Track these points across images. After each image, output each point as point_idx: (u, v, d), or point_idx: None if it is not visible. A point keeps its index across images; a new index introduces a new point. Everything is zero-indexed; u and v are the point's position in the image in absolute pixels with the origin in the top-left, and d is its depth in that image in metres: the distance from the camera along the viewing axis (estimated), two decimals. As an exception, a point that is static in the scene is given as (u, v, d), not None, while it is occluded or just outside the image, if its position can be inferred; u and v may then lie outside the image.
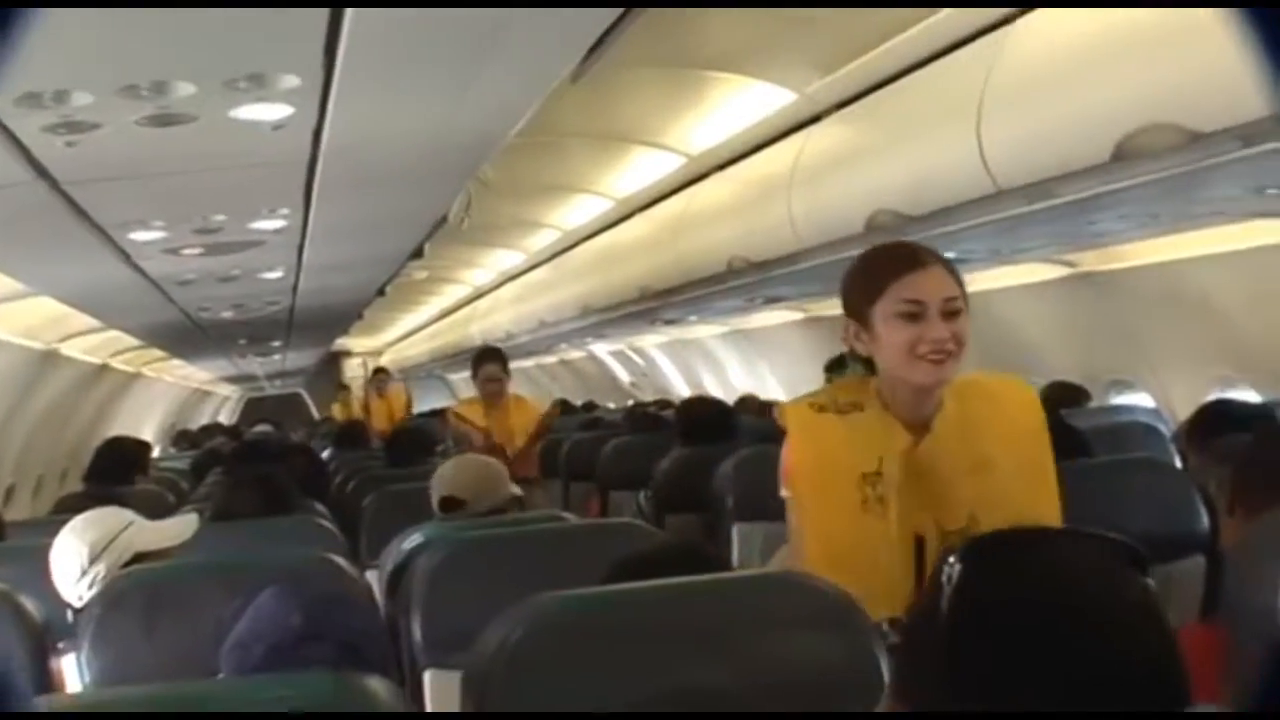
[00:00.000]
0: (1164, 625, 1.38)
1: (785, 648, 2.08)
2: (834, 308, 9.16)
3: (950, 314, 2.71)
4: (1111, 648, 1.33)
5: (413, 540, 3.66)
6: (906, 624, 1.47)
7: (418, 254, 7.48)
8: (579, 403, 15.31)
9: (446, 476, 4.39)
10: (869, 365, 2.83)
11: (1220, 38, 3.29)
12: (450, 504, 4.29)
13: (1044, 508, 2.73)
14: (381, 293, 10.15)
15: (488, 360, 7.32)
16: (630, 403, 14.53)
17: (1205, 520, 3.63)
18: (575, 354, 17.84)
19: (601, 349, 16.51)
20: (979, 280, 7.80)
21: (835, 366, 6.83)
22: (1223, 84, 3.43)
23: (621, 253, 9.56)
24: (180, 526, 3.65)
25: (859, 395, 2.82)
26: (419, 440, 7.26)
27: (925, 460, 2.74)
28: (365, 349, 26.83)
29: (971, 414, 2.80)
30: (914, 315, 2.70)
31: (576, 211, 10.27)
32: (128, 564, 3.38)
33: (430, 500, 4.41)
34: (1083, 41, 4.06)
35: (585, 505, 6.98)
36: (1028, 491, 2.75)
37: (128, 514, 3.56)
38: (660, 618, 2.11)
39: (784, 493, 2.87)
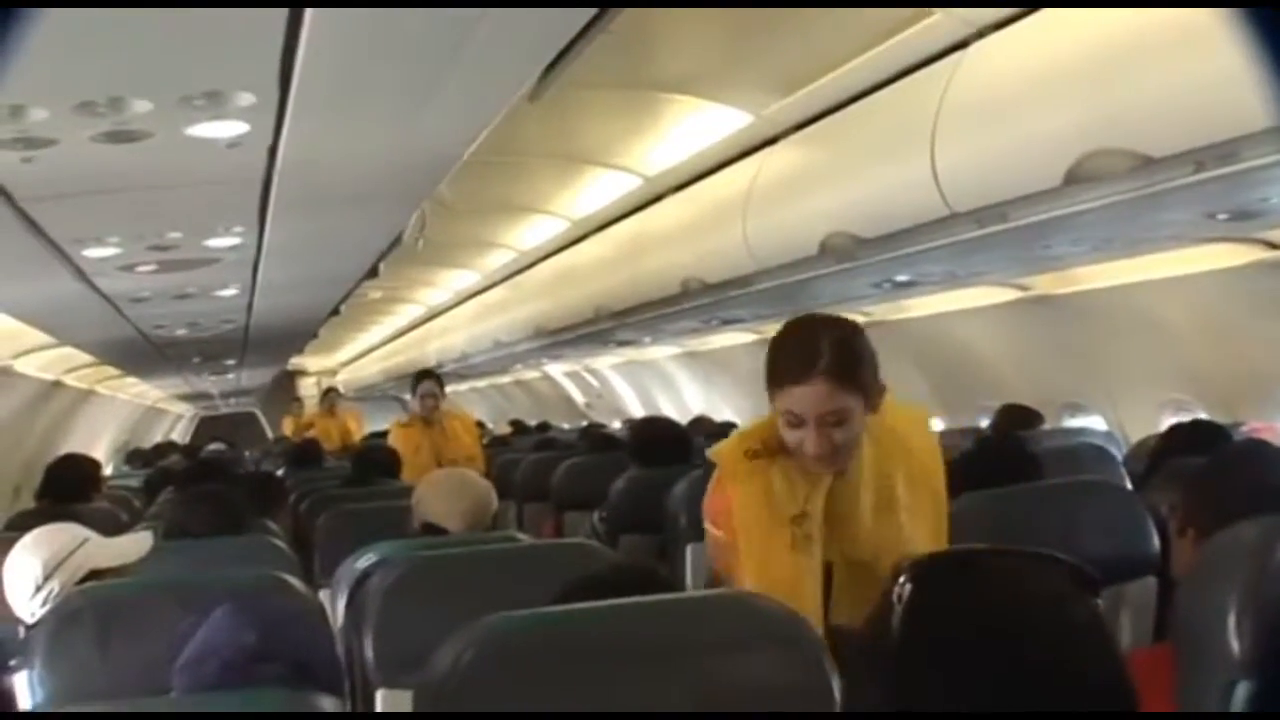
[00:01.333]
0: (1112, 646, 1.39)
1: (737, 667, 2.08)
2: None
3: (829, 425, 2.82)
4: (1060, 667, 1.34)
5: (366, 559, 3.64)
6: (857, 641, 1.48)
7: (373, 273, 7.43)
8: (533, 423, 15.33)
9: (429, 501, 4.27)
10: None
11: (1171, 63, 3.33)
12: (433, 532, 4.19)
13: (937, 545, 2.93)
14: (336, 312, 10.18)
15: (425, 379, 8.64)
16: (585, 423, 14.51)
17: (1157, 542, 3.65)
18: (530, 374, 17.87)
19: (556, 369, 16.56)
20: (933, 304, 7.88)
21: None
22: (1174, 109, 3.46)
23: (577, 273, 9.60)
24: (135, 544, 3.64)
25: (775, 439, 2.94)
26: (383, 463, 7.16)
27: (838, 499, 2.92)
28: (320, 368, 26.79)
29: (883, 457, 2.96)
30: (794, 423, 2.84)
31: (532, 232, 10.27)
32: (81, 581, 3.36)
33: (385, 519, 4.39)
34: (1035, 66, 4.09)
35: (540, 525, 6.98)
36: (924, 531, 2.95)
37: (83, 530, 3.54)
38: (612, 638, 2.11)
39: (713, 530, 3.01)
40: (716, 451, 3.01)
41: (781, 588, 2.74)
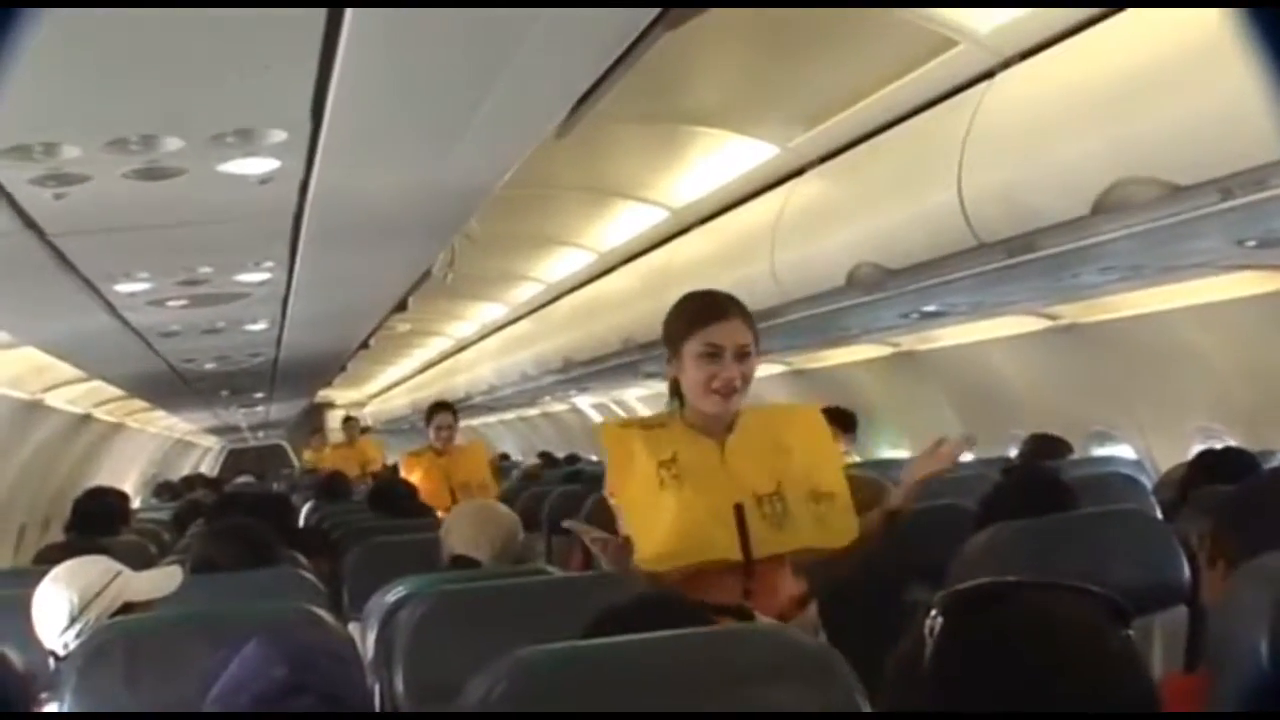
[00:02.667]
0: (1145, 675, 1.39)
1: (766, 700, 2.09)
2: (818, 360, 9.34)
3: (741, 357, 3.48)
4: (1093, 698, 1.34)
5: (396, 592, 3.65)
6: (890, 673, 1.48)
7: (401, 307, 7.48)
8: (562, 455, 15.23)
9: (459, 531, 4.39)
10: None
11: (1196, 90, 3.33)
12: (463, 563, 4.27)
13: (833, 481, 3.62)
14: (365, 345, 10.24)
15: (439, 411, 8.84)
16: None
17: (1187, 572, 3.64)
18: (558, 407, 17.96)
19: (585, 402, 16.63)
20: (961, 333, 7.86)
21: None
22: (1201, 138, 3.46)
23: (604, 305, 9.60)
24: (167, 578, 3.65)
25: (665, 419, 3.61)
26: (400, 498, 7.21)
27: (734, 447, 3.54)
28: (348, 401, 26.68)
29: (769, 417, 3.66)
30: (713, 356, 3.45)
31: (560, 264, 10.30)
32: (115, 614, 3.37)
33: (417, 552, 4.40)
34: (1061, 96, 4.09)
35: (568, 558, 6.97)
36: (821, 468, 3.62)
37: (115, 564, 3.55)
38: (643, 671, 2.11)
39: (611, 499, 3.59)
40: (597, 428, 3.89)
41: (655, 524, 3.42)
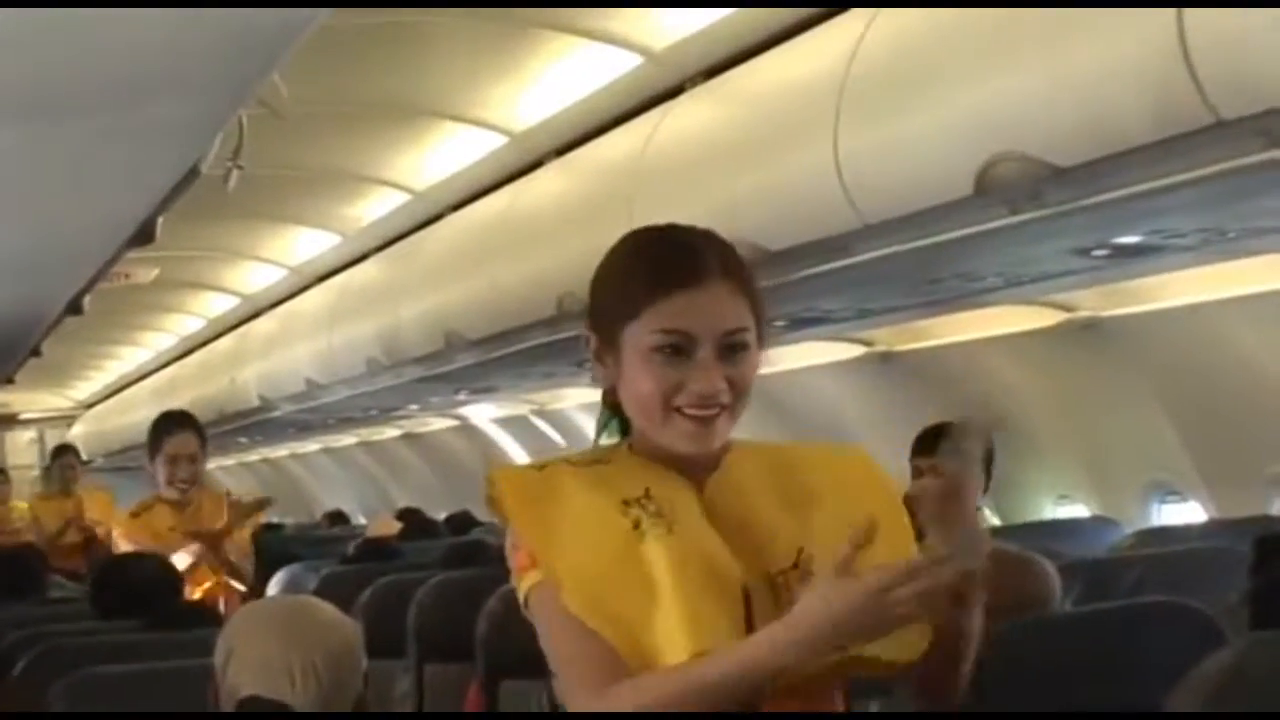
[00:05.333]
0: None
1: None
2: (922, 335, 7.90)
3: (730, 350, 2.43)
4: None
5: None
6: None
7: (144, 237, 6.48)
8: (441, 515, 11.29)
9: (249, 653, 3.16)
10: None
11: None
12: (258, 711, 3.09)
13: (902, 541, 2.46)
14: (75, 308, 8.73)
15: (175, 429, 6.40)
16: None
17: None
18: (436, 424, 14.01)
19: (483, 414, 13.08)
20: (1187, 287, 6.15)
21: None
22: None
23: (529, 231, 7.66)
24: None
25: (607, 454, 2.57)
26: (150, 580, 5.30)
27: (719, 499, 2.49)
28: (43, 411, 22.07)
29: (778, 454, 2.60)
30: (676, 351, 2.42)
31: (444, 148, 8.36)
32: None
33: (169, 688, 3.45)
34: None
35: (457, 704, 5.42)
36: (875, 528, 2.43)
37: None
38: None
39: (526, 584, 2.47)
40: (490, 478, 2.52)
41: (621, 599, 2.37)
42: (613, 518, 2.42)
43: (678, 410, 2.41)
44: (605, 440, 2.60)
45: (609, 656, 2.35)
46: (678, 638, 2.35)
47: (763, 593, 2.41)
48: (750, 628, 2.37)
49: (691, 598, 2.37)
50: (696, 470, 2.50)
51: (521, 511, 2.48)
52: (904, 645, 2.40)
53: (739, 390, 2.43)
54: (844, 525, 2.34)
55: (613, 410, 2.57)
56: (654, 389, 2.41)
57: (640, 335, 2.41)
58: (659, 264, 2.45)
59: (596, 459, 2.54)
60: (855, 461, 2.61)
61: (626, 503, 2.42)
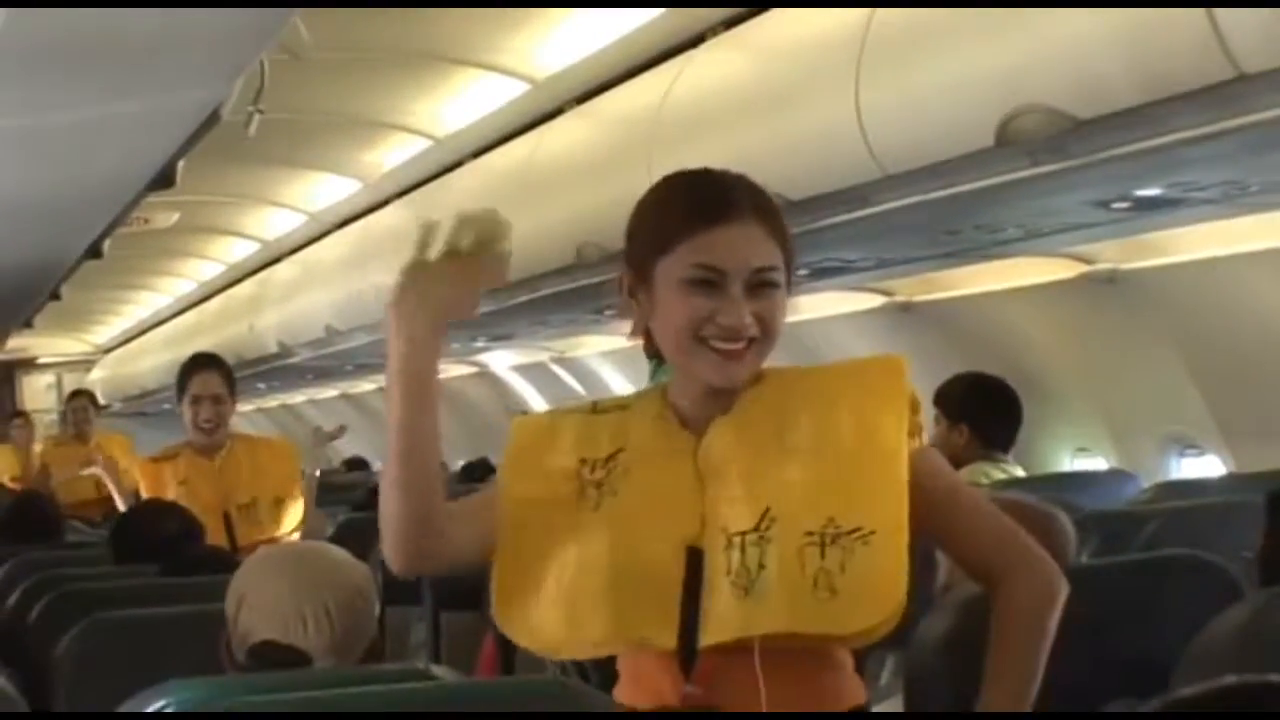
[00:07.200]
0: None
1: None
2: (942, 286, 7.83)
3: (759, 287, 2.53)
4: None
5: (156, 706, 2.64)
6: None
7: (165, 181, 6.46)
8: (458, 463, 11.19)
9: (262, 599, 3.11)
10: None
11: None
12: (273, 658, 3.05)
13: (882, 511, 2.50)
14: (95, 252, 8.73)
15: (200, 369, 6.19)
16: None
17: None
18: (456, 370, 13.42)
19: (503, 361, 12.93)
20: (1207, 240, 6.01)
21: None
22: None
23: (547, 180, 7.60)
24: None
25: (638, 399, 2.72)
26: (171, 532, 5.17)
27: (712, 449, 2.58)
28: (61, 355, 21.87)
29: (798, 383, 2.63)
30: (706, 285, 2.52)
31: (462, 97, 8.34)
32: None
33: (182, 635, 3.41)
34: None
35: (472, 651, 5.50)
36: (861, 477, 2.52)
37: None
38: None
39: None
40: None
41: (549, 563, 2.56)
42: (563, 476, 2.58)
43: (706, 342, 2.50)
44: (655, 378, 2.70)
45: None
46: (580, 607, 2.51)
47: (718, 553, 2.48)
48: (690, 589, 2.47)
49: (612, 568, 2.50)
50: (712, 412, 2.57)
51: (507, 458, 2.67)
52: (856, 615, 2.45)
53: (766, 328, 2.52)
54: (817, 483, 2.48)
55: (656, 358, 2.73)
56: (684, 319, 2.50)
57: (673, 268, 2.52)
58: (694, 200, 2.56)
59: (620, 404, 2.68)
60: (879, 376, 2.61)
61: (585, 462, 2.57)
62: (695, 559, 2.49)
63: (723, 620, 2.45)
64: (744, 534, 2.46)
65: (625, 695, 2.59)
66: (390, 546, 2.58)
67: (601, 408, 2.67)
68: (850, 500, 2.47)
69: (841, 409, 2.55)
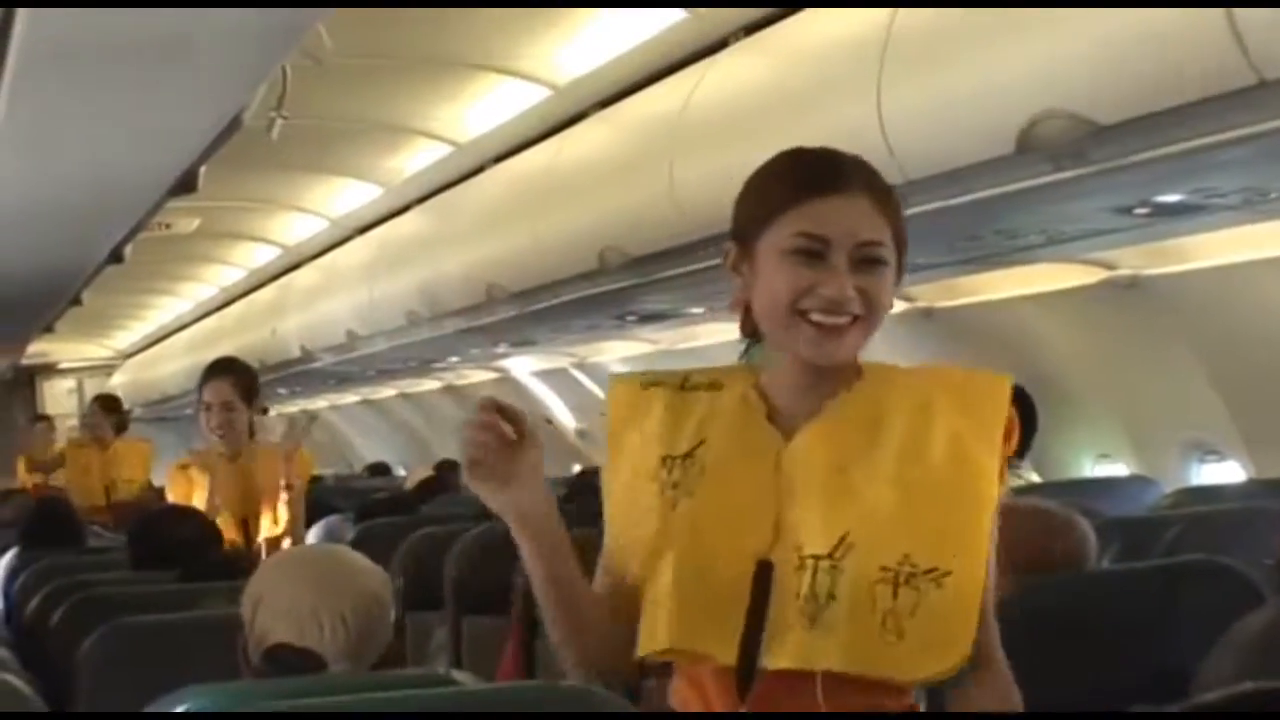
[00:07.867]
0: None
1: None
2: (963, 293, 7.74)
3: (865, 263, 2.42)
4: None
5: (180, 709, 2.65)
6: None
7: (187, 185, 6.48)
8: None
9: (278, 602, 3.11)
10: None
11: None
12: (289, 664, 3.06)
13: (964, 555, 2.41)
14: (117, 257, 8.69)
15: (211, 375, 6.17)
16: (577, 468, 11.20)
17: None
18: (477, 376, 13.97)
19: (524, 367, 13.08)
20: (1229, 246, 6.05)
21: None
22: None
23: (567, 185, 7.58)
24: None
25: (730, 376, 2.58)
26: (189, 537, 5.23)
27: (799, 454, 2.48)
28: (83, 360, 21.43)
29: (896, 391, 2.51)
30: (810, 255, 2.41)
31: (487, 101, 8.34)
32: None
33: (200, 639, 3.43)
34: None
35: (496, 655, 5.43)
36: (946, 514, 2.42)
37: None
38: None
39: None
40: (610, 382, 2.65)
41: (639, 566, 2.47)
42: (646, 471, 2.49)
43: (806, 315, 2.40)
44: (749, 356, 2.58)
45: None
46: (668, 606, 2.42)
47: (789, 572, 2.40)
48: (756, 604, 2.39)
49: (690, 568, 2.42)
50: (804, 407, 2.48)
51: (611, 436, 2.57)
52: (927, 658, 2.37)
53: (871, 305, 2.41)
54: (910, 511, 2.37)
55: (753, 337, 2.55)
56: (785, 290, 2.40)
57: (777, 237, 2.42)
58: (802, 170, 2.47)
59: (711, 382, 2.55)
60: (981, 396, 2.50)
61: (667, 460, 2.47)
62: (764, 571, 2.42)
63: (785, 647, 2.38)
64: (818, 558, 2.38)
65: (678, 703, 2.52)
66: (605, 677, 2.53)
67: (692, 384, 2.55)
68: (930, 537, 2.39)
69: (938, 426, 2.45)
